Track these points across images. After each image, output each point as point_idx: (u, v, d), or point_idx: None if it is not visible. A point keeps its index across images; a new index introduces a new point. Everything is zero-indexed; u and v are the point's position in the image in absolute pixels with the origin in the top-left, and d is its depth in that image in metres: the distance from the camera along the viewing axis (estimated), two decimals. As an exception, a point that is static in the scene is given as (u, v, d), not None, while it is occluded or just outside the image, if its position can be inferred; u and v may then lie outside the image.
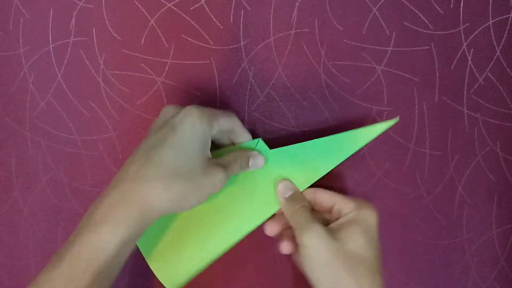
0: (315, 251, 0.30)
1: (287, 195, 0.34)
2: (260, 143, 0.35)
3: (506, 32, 0.38)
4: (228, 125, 0.33)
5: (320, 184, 0.39)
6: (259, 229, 0.39)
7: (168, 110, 0.31)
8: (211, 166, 0.30)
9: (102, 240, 0.27)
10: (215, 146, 0.35)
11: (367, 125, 0.38)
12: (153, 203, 0.28)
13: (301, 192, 0.34)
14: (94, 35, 0.38)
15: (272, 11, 0.37)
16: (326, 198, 0.34)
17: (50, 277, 0.27)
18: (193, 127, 0.29)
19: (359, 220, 0.31)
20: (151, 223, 0.29)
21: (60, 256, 0.27)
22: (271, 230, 0.35)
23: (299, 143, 0.35)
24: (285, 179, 0.35)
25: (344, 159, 0.34)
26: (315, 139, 0.34)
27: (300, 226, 0.31)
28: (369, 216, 0.31)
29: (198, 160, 0.29)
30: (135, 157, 0.29)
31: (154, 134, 0.30)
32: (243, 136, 0.34)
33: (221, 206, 0.35)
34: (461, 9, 0.37)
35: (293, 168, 0.35)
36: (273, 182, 0.35)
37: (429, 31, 0.37)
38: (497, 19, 0.37)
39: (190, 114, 0.29)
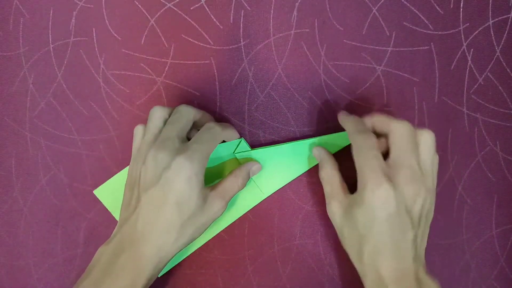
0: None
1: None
2: (242, 144, 0.37)
3: (506, 32, 0.38)
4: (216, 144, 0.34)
5: (318, 183, 0.39)
6: (259, 230, 0.39)
7: (158, 161, 0.31)
8: (210, 200, 0.33)
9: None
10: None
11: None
12: (166, 256, 0.31)
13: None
14: (94, 35, 0.38)
15: (272, 11, 0.37)
16: (379, 126, 0.34)
17: None
18: (188, 182, 0.31)
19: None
20: (167, 263, 0.32)
21: None
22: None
23: (280, 145, 0.37)
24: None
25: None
26: (294, 142, 0.37)
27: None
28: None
29: (198, 204, 0.32)
30: (140, 210, 0.31)
31: (152, 188, 0.31)
32: (232, 136, 0.36)
33: None
34: (461, 9, 0.37)
35: (273, 166, 0.38)
36: (253, 179, 0.38)
37: (429, 31, 0.37)
38: (497, 19, 0.37)
39: (182, 170, 0.30)
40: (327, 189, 0.34)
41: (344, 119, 0.35)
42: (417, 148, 0.31)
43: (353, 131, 0.33)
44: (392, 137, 0.32)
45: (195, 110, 0.34)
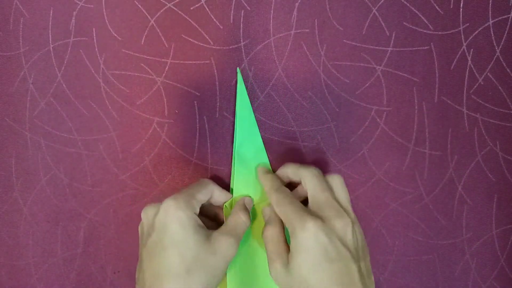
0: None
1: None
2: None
3: (506, 32, 0.38)
4: (206, 196, 0.34)
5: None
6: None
7: (147, 212, 0.32)
8: (214, 240, 0.31)
9: None
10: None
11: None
12: None
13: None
14: (94, 35, 0.38)
15: (272, 11, 0.37)
16: (292, 176, 0.35)
17: None
18: (177, 219, 0.30)
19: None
20: None
21: None
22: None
23: (236, 166, 0.37)
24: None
25: (257, 133, 0.38)
26: (236, 158, 0.37)
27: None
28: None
29: (199, 243, 0.30)
30: (143, 264, 0.31)
31: (149, 238, 0.31)
32: (224, 197, 0.36)
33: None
34: (461, 9, 0.37)
35: (254, 181, 0.37)
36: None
37: (429, 31, 0.37)
38: (497, 19, 0.37)
39: (169, 209, 0.31)
40: (269, 247, 0.33)
41: (261, 177, 0.36)
42: (329, 187, 0.33)
43: (269, 190, 0.34)
44: (304, 181, 0.33)
45: (217, 188, 0.35)
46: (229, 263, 0.32)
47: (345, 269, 0.29)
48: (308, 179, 0.33)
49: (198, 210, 0.32)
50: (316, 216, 0.30)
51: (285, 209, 0.31)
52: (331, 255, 0.29)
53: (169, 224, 0.30)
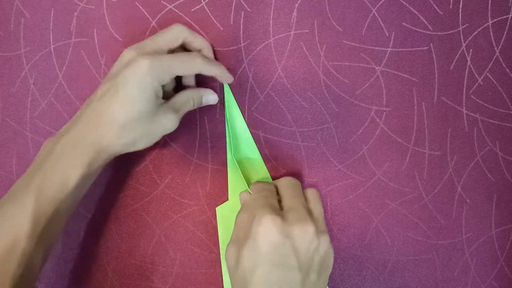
0: None
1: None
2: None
3: (505, 32, 0.38)
4: (187, 68, 0.33)
5: (318, 183, 0.39)
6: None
7: (124, 57, 0.32)
8: (162, 112, 0.32)
9: (63, 176, 0.30)
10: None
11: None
12: (107, 147, 0.31)
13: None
14: (95, 36, 0.38)
15: (272, 12, 0.37)
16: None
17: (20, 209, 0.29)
18: (140, 83, 0.31)
19: None
20: (107, 162, 0.32)
21: (24, 189, 0.29)
22: None
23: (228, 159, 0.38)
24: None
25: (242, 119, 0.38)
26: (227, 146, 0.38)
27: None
28: None
29: (147, 109, 0.31)
30: (91, 103, 0.31)
31: (106, 83, 0.31)
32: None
33: None
34: (460, 10, 0.38)
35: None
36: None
37: (428, 32, 0.38)
38: (496, 19, 0.38)
39: (138, 70, 0.30)
40: (235, 231, 0.33)
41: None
42: (302, 195, 0.33)
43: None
44: (279, 189, 0.34)
45: (188, 31, 0.34)
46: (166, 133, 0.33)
47: (287, 278, 0.29)
48: (283, 186, 0.34)
49: (167, 81, 0.32)
50: (283, 218, 0.30)
51: (256, 198, 0.32)
52: (276, 257, 0.29)
53: (131, 82, 0.30)
